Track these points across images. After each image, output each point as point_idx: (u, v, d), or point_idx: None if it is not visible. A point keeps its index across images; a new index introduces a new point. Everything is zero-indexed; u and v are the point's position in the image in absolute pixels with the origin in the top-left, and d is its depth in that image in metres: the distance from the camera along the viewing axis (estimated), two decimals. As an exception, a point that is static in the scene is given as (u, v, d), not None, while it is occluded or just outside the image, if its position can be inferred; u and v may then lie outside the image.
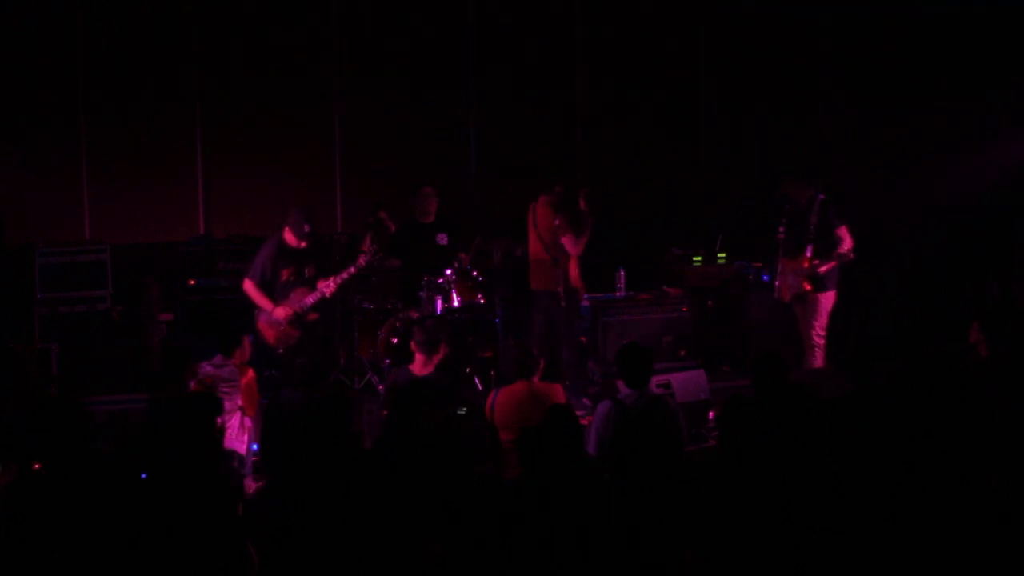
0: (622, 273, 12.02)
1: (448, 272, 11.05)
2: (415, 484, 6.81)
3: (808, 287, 10.73)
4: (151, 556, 6.15)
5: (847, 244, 10.63)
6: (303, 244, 10.25)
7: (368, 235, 11.48)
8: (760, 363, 7.81)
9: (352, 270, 10.34)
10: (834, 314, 10.86)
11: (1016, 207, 12.87)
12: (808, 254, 10.71)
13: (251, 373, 9.16)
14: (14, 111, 12.11)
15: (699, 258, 12.30)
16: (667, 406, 8.04)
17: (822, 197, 10.75)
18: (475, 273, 11.13)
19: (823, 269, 10.66)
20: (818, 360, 10.79)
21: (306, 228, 10.21)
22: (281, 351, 10.28)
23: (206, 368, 8.85)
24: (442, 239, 11.56)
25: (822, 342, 10.83)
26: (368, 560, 6.41)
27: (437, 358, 9.04)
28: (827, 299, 10.81)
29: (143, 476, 6.69)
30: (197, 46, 12.52)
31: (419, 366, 9.01)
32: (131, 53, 12.33)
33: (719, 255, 12.32)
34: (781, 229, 10.90)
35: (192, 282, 11.72)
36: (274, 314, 10.20)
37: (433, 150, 13.08)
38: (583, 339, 11.34)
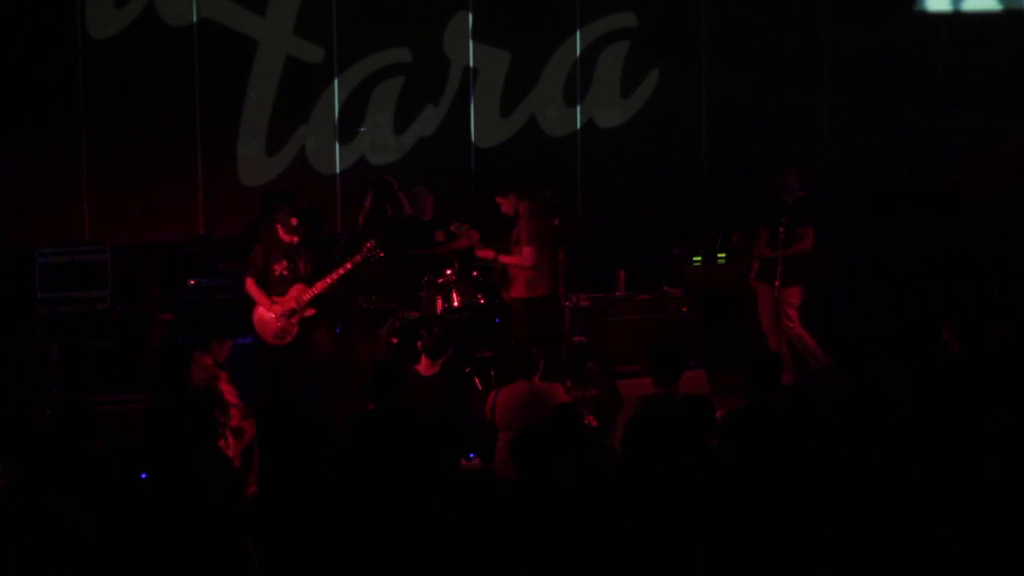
0: (622, 273, 12.01)
1: (448, 272, 11.06)
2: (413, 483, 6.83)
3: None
4: (151, 556, 6.15)
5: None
6: (294, 239, 10.26)
7: (370, 193, 11.55)
8: (755, 365, 7.81)
9: (348, 265, 10.34)
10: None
11: (1017, 206, 12.86)
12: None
13: (223, 375, 9.06)
14: (14, 111, 12.10)
15: (699, 258, 12.29)
16: (708, 406, 7.43)
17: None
18: (475, 273, 11.15)
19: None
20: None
21: (293, 222, 10.23)
22: (281, 345, 10.28)
23: None
24: (440, 237, 11.58)
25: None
26: (368, 560, 6.41)
27: (442, 359, 9.08)
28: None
29: (143, 476, 6.70)
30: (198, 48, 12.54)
31: (425, 366, 9.04)
32: (132, 53, 12.34)
33: (719, 255, 12.31)
34: (782, 229, 10.93)
35: (192, 282, 11.71)
36: (270, 310, 10.22)
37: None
38: (583, 339, 11.33)
